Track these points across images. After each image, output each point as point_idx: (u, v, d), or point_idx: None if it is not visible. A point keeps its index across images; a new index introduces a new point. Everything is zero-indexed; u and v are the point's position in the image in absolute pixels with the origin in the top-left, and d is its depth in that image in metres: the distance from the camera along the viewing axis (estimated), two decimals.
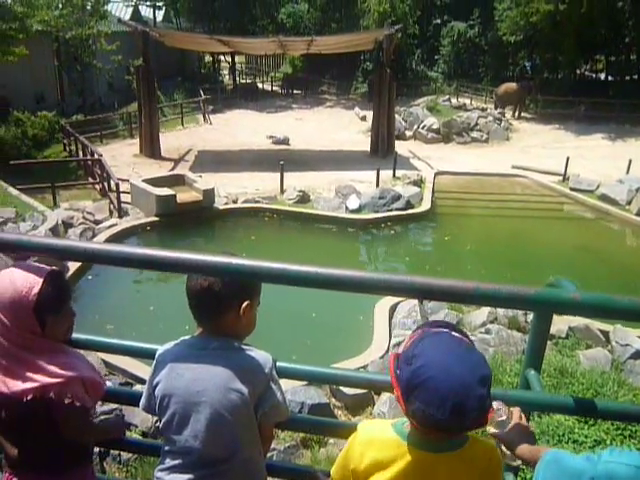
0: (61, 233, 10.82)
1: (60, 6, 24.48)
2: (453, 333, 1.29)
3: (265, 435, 1.61)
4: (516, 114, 28.09)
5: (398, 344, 7.11)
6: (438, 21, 37.69)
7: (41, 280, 1.55)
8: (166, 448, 1.59)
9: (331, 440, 5.25)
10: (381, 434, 1.35)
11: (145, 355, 1.82)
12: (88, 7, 26.34)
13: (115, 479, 3.35)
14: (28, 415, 1.59)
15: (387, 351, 7.03)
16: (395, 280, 1.27)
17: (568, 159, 17.39)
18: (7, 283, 1.54)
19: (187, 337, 1.62)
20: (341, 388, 6.03)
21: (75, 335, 1.76)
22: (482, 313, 7.80)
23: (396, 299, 8.15)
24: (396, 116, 22.74)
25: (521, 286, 1.31)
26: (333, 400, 6.12)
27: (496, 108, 28.17)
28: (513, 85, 28.41)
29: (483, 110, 27.67)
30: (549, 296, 1.31)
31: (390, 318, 7.90)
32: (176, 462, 1.55)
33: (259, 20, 40.18)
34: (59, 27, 23.91)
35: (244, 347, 1.57)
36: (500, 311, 7.85)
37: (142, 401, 1.66)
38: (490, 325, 7.42)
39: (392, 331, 7.56)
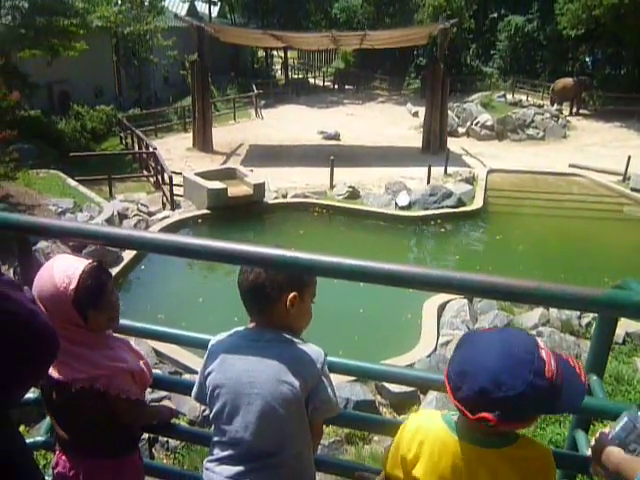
0: (116, 224, 11.14)
1: (119, 2, 25.29)
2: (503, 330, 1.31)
3: (315, 430, 1.59)
4: (573, 111, 27.14)
5: (446, 343, 6.99)
6: (495, 15, 36.82)
7: (78, 274, 1.57)
8: (215, 439, 1.59)
9: (375, 437, 5.22)
10: (430, 423, 1.35)
11: (196, 345, 1.84)
12: (146, 3, 27.05)
13: (163, 466, 3.41)
14: (78, 401, 1.62)
15: (435, 350, 6.93)
16: (455, 277, 1.22)
17: (629, 158, 16.67)
18: (47, 277, 1.57)
19: (240, 328, 1.62)
20: (387, 385, 5.98)
21: (129, 322, 1.78)
22: (534, 315, 7.58)
23: (445, 298, 8.02)
24: (449, 112, 22.36)
25: (586, 287, 1.24)
26: (378, 397, 6.08)
27: (552, 104, 27.31)
28: (570, 80, 27.46)
29: (540, 107, 26.85)
30: (617, 298, 1.24)
31: (439, 317, 7.78)
32: (225, 453, 1.55)
33: (312, 15, 40.28)
34: (118, 23, 24.69)
35: (296, 340, 1.56)
36: (553, 313, 7.61)
37: (194, 390, 1.67)
38: (542, 328, 7.20)
39: (440, 330, 7.45)
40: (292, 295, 1.52)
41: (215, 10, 41.00)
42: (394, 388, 5.93)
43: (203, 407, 5.56)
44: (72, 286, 1.54)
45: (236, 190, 12.91)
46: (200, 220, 12.33)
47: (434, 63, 20.60)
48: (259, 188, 13.01)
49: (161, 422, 1.93)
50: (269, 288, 1.50)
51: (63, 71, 21.84)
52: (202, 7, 39.24)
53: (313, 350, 1.53)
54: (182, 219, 12.11)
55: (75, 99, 22.65)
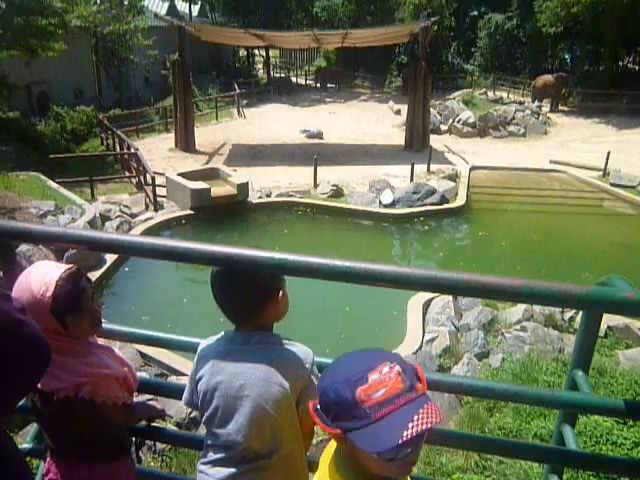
0: (99, 226, 11.03)
1: (98, 2, 24.98)
2: None
3: (306, 430, 1.60)
4: (553, 107, 27.47)
5: (432, 340, 7.03)
6: (475, 13, 37.12)
7: (55, 281, 1.55)
8: (209, 442, 1.60)
9: None
10: None
11: (183, 348, 1.83)
12: (125, 2, 26.77)
13: (153, 470, 3.38)
14: (64, 410, 1.61)
15: (420, 347, 6.96)
16: (440, 276, 1.23)
17: (609, 154, 16.91)
18: (24, 286, 1.55)
19: (228, 331, 1.62)
20: None
21: (114, 327, 1.77)
22: (518, 310, 7.66)
23: (430, 295, 8.06)
24: (431, 110, 22.47)
25: (571, 284, 1.26)
26: None
27: (533, 101, 27.60)
28: (550, 77, 27.77)
29: (520, 104, 27.12)
30: (601, 295, 1.25)
31: (424, 314, 7.82)
32: (219, 456, 1.56)
33: (294, 14, 40.21)
34: (97, 23, 24.39)
35: (285, 342, 1.57)
36: (536, 308, 7.69)
37: (185, 395, 1.67)
38: (526, 322, 7.28)
39: (425, 327, 7.49)
40: (280, 294, 1.54)
41: (196, 9, 40.73)
42: None
43: (190, 409, 5.54)
44: (49, 293, 1.52)
45: (220, 190, 12.86)
46: (184, 221, 12.25)
47: (415, 61, 20.68)
48: (243, 188, 12.96)
49: (150, 419, 1.93)
50: (263, 292, 1.52)
51: (42, 72, 21.58)
52: (182, 6, 38.96)
53: (302, 350, 1.55)
54: (165, 220, 12.02)
55: (54, 100, 22.37)
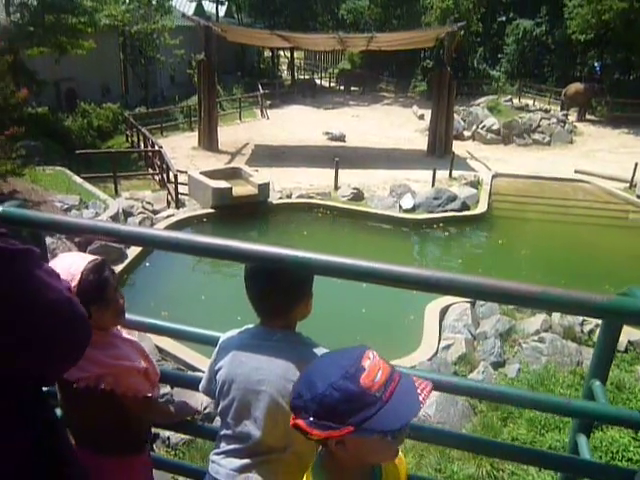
0: (121, 221, 11.17)
1: (127, 1, 25.34)
2: None
3: None
4: (581, 116, 27.12)
5: (448, 347, 6.99)
6: (503, 18, 36.80)
7: (80, 271, 1.58)
8: (222, 432, 1.63)
9: None
10: None
11: (203, 341, 1.85)
12: (153, 2, 27.11)
13: (170, 459, 3.40)
14: (84, 400, 1.63)
15: (436, 353, 6.92)
16: (460, 280, 1.23)
17: (637, 165, 16.63)
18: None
19: (250, 326, 1.65)
20: None
21: (137, 318, 1.80)
22: (536, 320, 7.57)
23: (448, 301, 8.02)
24: (455, 115, 22.36)
25: (592, 293, 1.25)
26: None
27: (562, 109, 27.23)
28: (582, 86, 27.40)
29: (546, 112, 26.82)
30: (622, 305, 1.25)
31: (441, 320, 7.78)
32: (232, 447, 1.58)
33: (319, 16, 40.31)
34: (125, 21, 24.76)
35: (305, 341, 1.59)
36: (555, 319, 7.60)
37: (202, 383, 1.71)
38: (544, 334, 7.19)
39: (442, 333, 7.44)
40: (309, 295, 1.58)
41: (222, 10, 41.05)
42: None
43: (205, 403, 5.59)
44: (74, 283, 1.55)
45: (241, 190, 12.94)
46: (205, 219, 12.36)
47: (441, 66, 20.60)
48: (264, 188, 13.03)
49: (186, 418, 1.93)
50: (298, 292, 1.55)
51: (70, 69, 21.92)
52: (209, 6, 39.32)
53: (322, 352, 1.56)
54: (186, 217, 12.14)
55: (82, 97, 22.72)
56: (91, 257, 1.64)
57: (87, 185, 13.66)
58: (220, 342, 1.66)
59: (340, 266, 1.33)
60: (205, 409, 5.53)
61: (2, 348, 0.78)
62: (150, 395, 1.72)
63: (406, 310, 8.28)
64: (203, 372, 1.73)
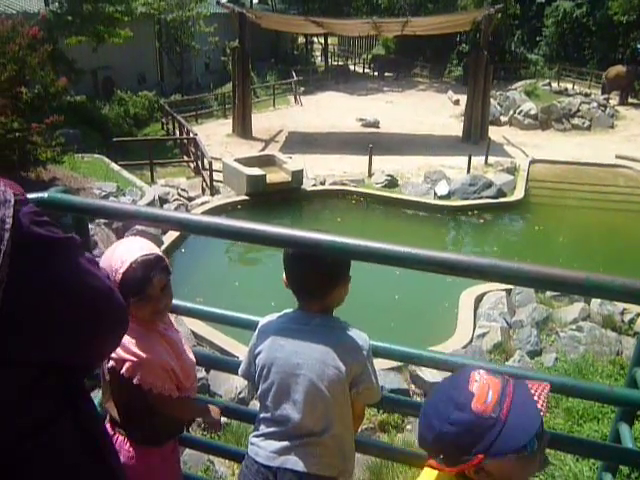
0: (157, 208, 11.36)
1: None
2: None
3: (357, 414, 1.64)
4: (623, 100, 26.24)
5: (482, 335, 6.93)
6: (542, 0, 35.73)
7: (131, 260, 1.59)
8: (261, 415, 1.65)
9: (408, 426, 5.23)
10: None
11: (242, 325, 1.88)
12: None
13: (208, 440, 3.45)
14: (113, 383, 1.67)
15: (470, 342, 6.87)
16: (503, 266, 1.22)
17: None
18: (109, 254, 1.62)
19: (289, 310, 1.66)
20: (421, 375, 5.97)
21: (177, 302, 1.82)
22: (574, 309, 7.44)
23: (483, 289, 7.94)
24: (491, 100, 21.90)
25: (637, 279, 1.22)
26: (412, 387, 6.07)
27: (603, 93, 26.40)
28: (623, 68, 26.49)
29: (586, 95, 26.03)
30: None
31: (475, 308, 7.70)
32: (271, 430, 1.61)
33: (354, 1, 39.88)
34: (161, 10, 24.94)
35: (344, 326, 1.60)
36: (594, 308, 7.44)
37: (241, 367, 1.73)
38: (582, 322, 7.06)
39: (477, 322, 7.37)
40: (346, 280, 1.59)
41: None
42: (429, 378, 5.91)
43: (239, 389, 5.67)
44: (121, 270, 1.57)
45: (275, 177, 13.00)
46: (239, 206, 12.47)
47: (477, 50, 20.17)
48: (297, 175, 13.05)
49: (204, 422, 1.94)
50: (335, 275, 1.57)
51: (107, 57, 22.23)
52: None
53: (360, 336, 1.58)
54: (221, 204, 12.27)
55: (119, 85, 23.05)
56: (149, 250, 1.64)
57: (124, 172, 13.90)
58: (259, 326, 1.68)
59: (377, 251, 1.33)
60: (240, 393, 5.63)
61: (44, 335, 0.80)
62: (172, 395, 1.68)
63: (440, 297, 8.23)
64: (236, 357, 1.75)
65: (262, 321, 1.69)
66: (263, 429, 1.63)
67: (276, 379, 1.57)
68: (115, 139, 16.08)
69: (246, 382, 5.68)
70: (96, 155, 15.06)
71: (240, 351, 6.08)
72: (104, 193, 11.33)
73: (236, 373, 1.76)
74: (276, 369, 1.57)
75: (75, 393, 0.94)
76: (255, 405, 5.37)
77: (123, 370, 1.60)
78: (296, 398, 1.55)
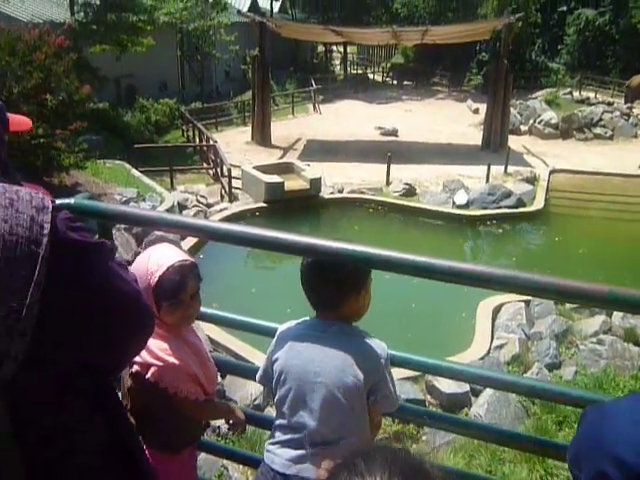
0: (176, 214, 11.46)
1: None
2: None
3: (373, 422, 1.63)
4: None
5: (500, 346, 6.85)
6: (564, 8, 35.49)
7: (168, 264, 1.62)
8: (278, 422, 1.65)
9: (424, 437, 5.18)
10: None
11: (260, 332, 1.88)
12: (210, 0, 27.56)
13: (224, 446, 3.46)
14: (133, 385, 1.67)
15: (488, 353, 6.79)
16: (523, 277, 1.21)
17: None
18: (144, 258, 1.65)
19: (307, 318, 1.67)
20: (437, 385, 5.92)
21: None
22: (595, 322, 7.32)
23: (501, 299, 7.85)
24: (511, 109, 21.78)
25: None
26: (428, 397, 6.02)
27: (626, 102, 26.06)
28: None
29: (609, 104, 25.73)
30: None
31: (493, 319, 7.62)
32: (287, 437, 1.60)
33: (373, 10, 40.01)
34: (183, 19, 25.24)
35: (362, 334, 1.60)
36: (616, 321, 7.32)
37: (259, 373, 1.73)
38: (603, 335, 6.94)
39: (495, 333, 7.30)
40: (364, 290, 1.58)
41: (277, 5, 41.34)
42: (445, 389, 5.86)
43: (254, 396, 5.67)
44: (158, 273, 1.60)
45: (293, 184, 13.05)
46: (257, 213, 12.53)
47: (497, 59, 20.12)
48: (315, 183, 13.09)
49: (227, 422, 1.92)
50: (347, 285, 1.56)
51: (130, 65, 22.54)
52: (264, 2, 39.65)
53: (378, 345, 1.58)
54: (239, 211, 12.35)
55: (141, 92, 23.36)
56: (184, 256, 1.67)
57: (144, 178, 14.06)
58: (278, 333, 1.69)
59: (398, 261, 1.32)
60: (255, 400, 5.63)
61: (77, 337, 0.83)
62: (198, 398, 1.70)
63: (457, 307, 8.16)
64: (251, 363, 1.76)
65: (281, 328, 1.70)
66: (279, 436, 1.63)
67: (293, 386, 1.57)
68: (136, 145, 16.27)
69: (261, 388, 5.69)
70: (117, 161, 15.26)
71: (256, 358, 6.09)
72: (125, 198, 11.46)
73: (253, 379, 1.77)
74: (293, 376, 1.57)
75: (104, 394, 0.96)
76: (270, 412, 5.37)
77: (149, 374, 1.61)
78: (313, 406, 1.54)
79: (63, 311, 0.77)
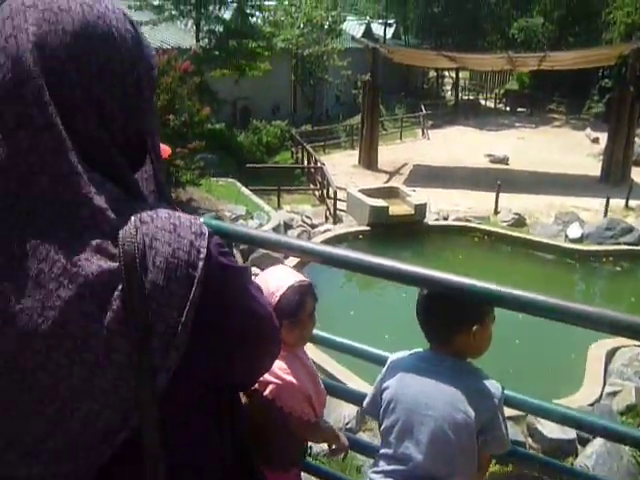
0: (281, 233, 11.79)
1: (302, 26, 26.83)
2: None
3: (481, 463, 1.58)
4: None
5: (614, 394, 6.37)
6: None
7: (288, 284, 1.67)
8: (382, 451, 1.64)
9: None
10: None
11: (369, 359, 1.90)
12: (326, 26, 28.39)
13: (326, 468, 3.47)
14: (250, 402, 1.70)
15: (599, 400, 6.33)
16: None
17: None
18: (264, 278, 1.71)
19: (421, 350, 1.67)
20: (540, 429, 5.61)
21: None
22: None
23: (615, 343, 7.31)
24: (636, 139, 20.37)
25: None
26: (529, 440, 5.71)
27: None
28: None
29: None
30: None
31: (606, 363, 7.10)
32: (391, 467, 1.59)
33: (488, 35, 39.28)
34: (299, 45, 26.22)
35: (476, 372, 1.57)
36: None
37: (366, 400, 1.74)
38: None
39: (607, 378, 6.79)
40: (475, 328, 1.55)
41: (390, 31, 41.79)
42: (548, 432, 5.55)
43: (347, 419, 5.66)
44: (279, 292, 1.65)
45: (397, 209, 13.01)
46: (360, 236, 12.60)
47: (622, 85, 18.97)
48: (420, 208, 12.97)
49: (329, 447, 1.94)
50: (457, 321, 1.55)
51: (246, 88, 23.69)
52: (378, 29, 40.24)
53: (492, 384, 1.54)
54: (343, 233, 12.48)
55: (254, 114, 24.44)
56: (300, 277, 1.73)
57: (253, 197, 14.66)
58: (389, 362, 1.69)
59: (524, 300, 1.28)
60: (347, 423, 5.62)
61: (216, 355, 0.89)
62: (310, 420, 1.73)
63: (565, 347, 7.69)
64: (344, 384, 1.76)
65: (392, 357, 1.70)
66: (383, 466, 1.61)
67: (401, 416, 1.56)
68: (248, 165, 17.02)
69: (355, 412, 5.67)
70: (230, 179, 16.03)
71: (353, 381, 6.09)
72: (234, 216, 11.99)
73: (350, 402, 1.78)
74: (402, 406, 1.57)
75: (232, 410, 1.02)
76: (362, 436, 5.32)
77: (267, 392, 1.65)
78: (420, 438, 1.52)
79: (208, 328, 0.84)
